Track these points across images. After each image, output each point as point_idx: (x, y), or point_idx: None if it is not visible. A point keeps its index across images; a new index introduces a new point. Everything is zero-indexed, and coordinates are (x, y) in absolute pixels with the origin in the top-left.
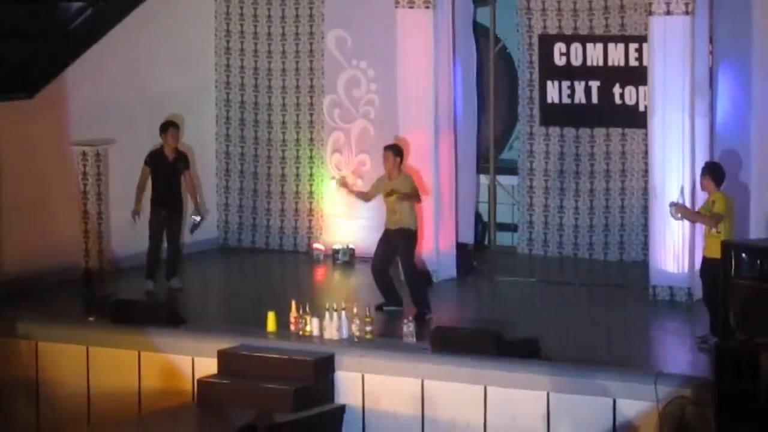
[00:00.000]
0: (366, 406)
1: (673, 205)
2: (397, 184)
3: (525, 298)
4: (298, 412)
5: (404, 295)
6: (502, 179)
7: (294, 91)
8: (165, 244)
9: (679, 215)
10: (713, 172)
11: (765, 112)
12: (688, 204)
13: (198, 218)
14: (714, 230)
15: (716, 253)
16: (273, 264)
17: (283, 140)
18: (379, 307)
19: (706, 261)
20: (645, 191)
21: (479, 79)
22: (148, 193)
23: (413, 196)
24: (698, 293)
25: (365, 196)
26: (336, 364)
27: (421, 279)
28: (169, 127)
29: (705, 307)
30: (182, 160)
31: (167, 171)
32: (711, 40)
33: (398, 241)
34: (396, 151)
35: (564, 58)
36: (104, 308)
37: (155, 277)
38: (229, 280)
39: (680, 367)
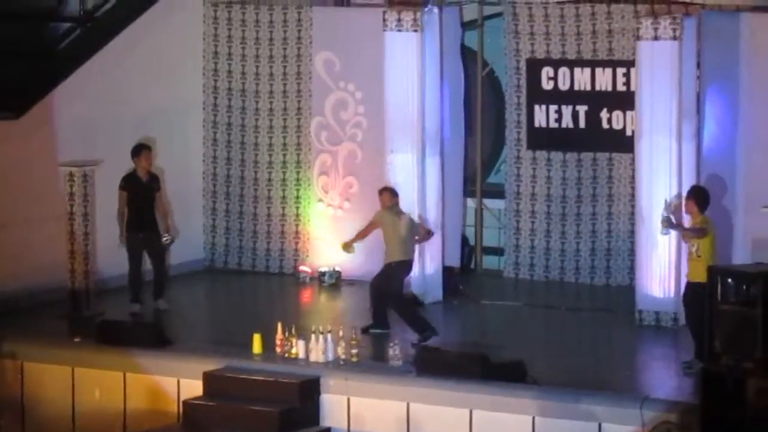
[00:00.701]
0: (351, 428)
1: (665, 215)
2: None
3: (511, 322)
4: None
5: (392, 319)
6: (489, 203)
7: (281, 113)
8: (148, 266)
9: (667, 227)
10: (698, 196)
11: (752, 136)
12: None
13: (169, 239)
14: (695, 254)
15: (700, 276)
16: (259, 286)
17: (270, 162)
18: (365, 330)
19: (689, 285)
20: (632, 216)
21: (467, 103)
22: None
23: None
24: (684, 318)
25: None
26: (322, 387)
27: (410, 307)
28: (143, 149)
29: (690, 332)
30: (155, 181)
31: (143, 194)
32: (698, 65)
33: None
34: (392, 192)
35: (551, 83)
36: (90, 329)
37: (140, 299)
38: (216, 302)
39: (666, 392)
